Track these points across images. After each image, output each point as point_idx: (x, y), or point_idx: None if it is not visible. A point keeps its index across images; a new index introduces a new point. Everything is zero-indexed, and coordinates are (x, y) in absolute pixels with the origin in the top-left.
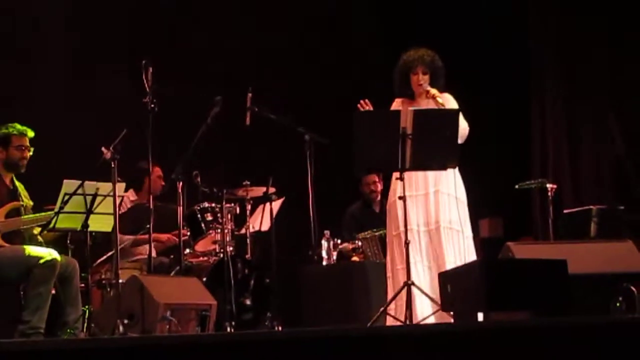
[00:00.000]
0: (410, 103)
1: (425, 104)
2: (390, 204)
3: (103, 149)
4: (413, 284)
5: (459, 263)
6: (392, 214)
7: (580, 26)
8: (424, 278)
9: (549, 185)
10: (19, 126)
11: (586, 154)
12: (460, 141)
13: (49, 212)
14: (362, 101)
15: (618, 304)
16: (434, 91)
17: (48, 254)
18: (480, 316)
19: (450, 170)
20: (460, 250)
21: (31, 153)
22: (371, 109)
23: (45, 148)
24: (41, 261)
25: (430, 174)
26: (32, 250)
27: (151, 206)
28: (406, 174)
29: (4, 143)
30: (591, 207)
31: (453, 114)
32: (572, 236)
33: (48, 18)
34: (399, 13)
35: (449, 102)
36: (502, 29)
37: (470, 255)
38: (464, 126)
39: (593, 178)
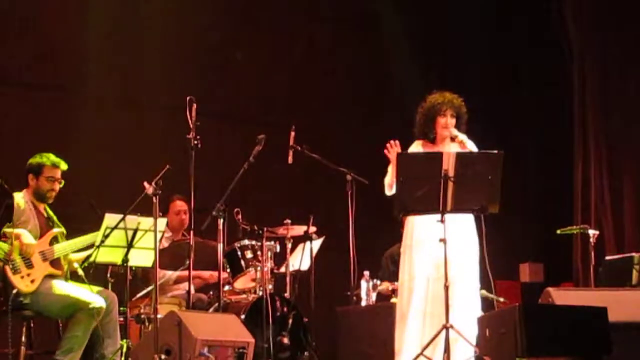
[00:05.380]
0: (432, 146)
1: (448, 149)
2: (406, 246)
3: (145, 183)
4: (452, 327)
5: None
6: (407, 257)
7: (624, 73)
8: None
9: (591, 232)
10: (53, 157)
11: (629, 201)
12: None
13: (87, 236)
14: (390, 141)
15: None
16: (462, 137)
17: (96, 301)
18: None
19: (471, 218)
20: (471, 300)
21: (61, 185)
22: (399, 149)
23: (87, 181)
24: (89, 307)
25: (452, 221)
26: (80, 294)
27: (191, 242)
28: (425, 218)
29: (36, 172)
30: (633, 254)
31: (496, 157)
32: (613, 283)
33: (93, 53)
34: (438, 57)
35: (473, 149)
36: (546, 75)
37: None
38: None
39: (636, 225)
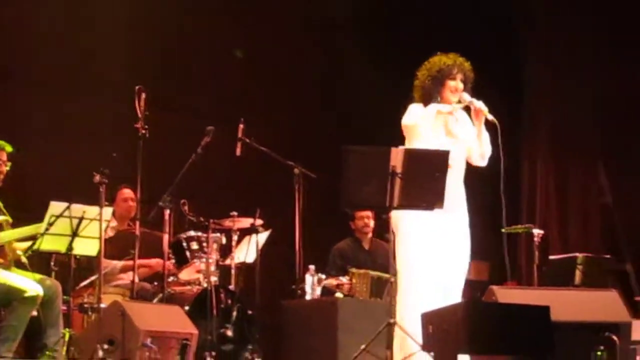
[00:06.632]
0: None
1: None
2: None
3: (94, 172)
4: (396, 323)
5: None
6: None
7: (574, 80)
8: None
9: (535, 231)
10: None
11: (574, 201)
12: (483, 162)
13: (31, 227)
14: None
15: (599, 353)
16: (479, 104)
17: (32, 289)
18: (460, 358)
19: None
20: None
21: (8, 168)
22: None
23: (34, 168)
24: (24, 295)
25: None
26: (17, 282)
27: (137, 232)
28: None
29: None
30: (577, 254)
31: (443, 155)
32: (556, 283)
33: (45, 35)
34: (393, 52)
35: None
36: (496, 72)
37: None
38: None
39: (580, 225)
